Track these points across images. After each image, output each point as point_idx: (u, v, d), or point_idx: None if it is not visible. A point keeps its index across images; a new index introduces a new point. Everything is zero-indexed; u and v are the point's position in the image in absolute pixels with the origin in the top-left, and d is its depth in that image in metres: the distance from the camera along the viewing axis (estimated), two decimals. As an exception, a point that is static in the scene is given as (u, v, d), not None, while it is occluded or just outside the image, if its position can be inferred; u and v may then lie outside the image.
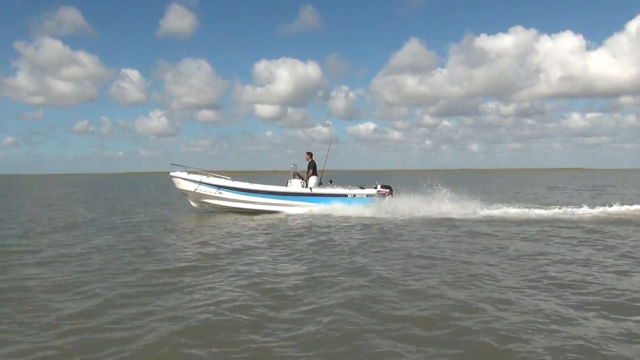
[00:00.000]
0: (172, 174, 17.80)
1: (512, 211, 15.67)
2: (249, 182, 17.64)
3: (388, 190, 17.00)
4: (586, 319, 5.34)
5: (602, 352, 4.47)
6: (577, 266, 7.97)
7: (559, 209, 16.08)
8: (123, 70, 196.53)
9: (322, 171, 17.72)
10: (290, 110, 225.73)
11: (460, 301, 5.95)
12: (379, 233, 12.14)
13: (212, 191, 17.28)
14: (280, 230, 12.75)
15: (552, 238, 10.95)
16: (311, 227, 13.37)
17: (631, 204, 16.32)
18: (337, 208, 16.26)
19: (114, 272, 7.70)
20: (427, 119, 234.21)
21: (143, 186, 51.75)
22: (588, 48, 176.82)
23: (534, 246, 9.91)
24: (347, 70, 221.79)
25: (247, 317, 5.44)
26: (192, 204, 18.10)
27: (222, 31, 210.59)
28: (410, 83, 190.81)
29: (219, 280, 7.22)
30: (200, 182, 17.28)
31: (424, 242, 10.56)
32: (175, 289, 6.67)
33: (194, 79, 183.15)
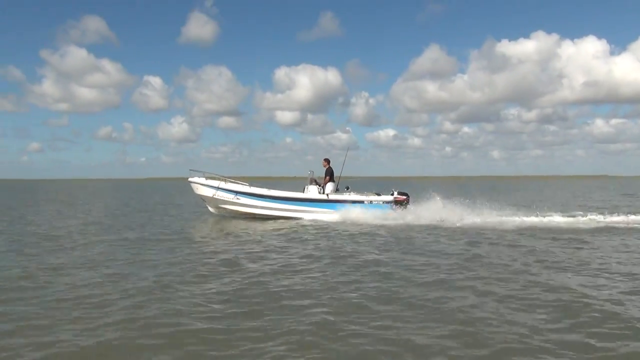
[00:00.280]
0: (190, 179, 18.03)
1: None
2: (266, 188, 17.76)
3: (405, 197, 16.90)
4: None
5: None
6: None
7: None
8: (146, 77, 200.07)
9: (339, 178, 17.73)
10: (310, 116, 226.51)
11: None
12: (394, 241, 12.08)
13: (229, 197, 17.43)
14: (299, 236, 12.80)
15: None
16: (325, 233, 13.38)
17: None
18: (353, 214, 16.22)
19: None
20: (448, 126, 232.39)
21: (170, 192, 52.36)
22: (612, 53, 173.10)
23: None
24: (367, 76, 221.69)
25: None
26: (210, 209, 18.29)
27: (243, 38, 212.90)
28: (431, 89, 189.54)
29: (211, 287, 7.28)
30: (218, 188, 17.45)
31: (437, 251, 10.47)
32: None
33: (215, 85, 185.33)
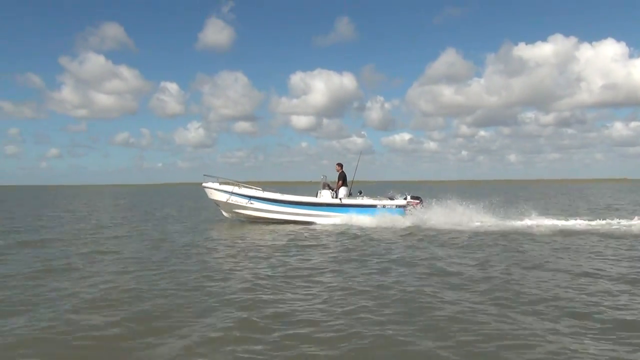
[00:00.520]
0: (204, 184, 18.21)
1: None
2: (279, 192, 17.86)
3: (418, 201, 16.85)
4: None
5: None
6: None
7: None
8: (162, 83, 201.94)
9: (352, 182, 17.75)
10: (325, 121, 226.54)
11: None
12: (402, 245, 12.06)
13: (243, 201, 17.56)
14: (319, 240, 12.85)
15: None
16: (339, 237, 13.40)
17: None
18: (366, 219, 16.23)
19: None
20: (464, 129, 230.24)
21: (189, 198, 52.76)
22: (631, 55, 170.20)
23: None
24: (383, 80, 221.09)
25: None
26: (224, 214, 18.43)
27: (259, 44, 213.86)
28: (447, 93, 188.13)
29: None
30: (232, 193, 17.59)
31: (450, 257, 10.42)
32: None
33: (231, 91, 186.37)
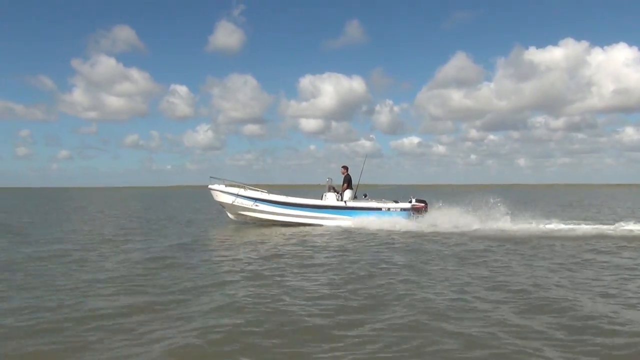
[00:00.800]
0: (210, 186, 18.35)
1: None
2: (284, 195, 17.95)
3: (423, 204, 16.85)
4: None
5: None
6: None
7: None
8: (172, 86, 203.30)
9: (357, 185, 17.81)
10: (334, 124, 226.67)
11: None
12: (403, 249, 12.08)
13: (249, 204, 17.68)
14: (319, 244, 12.91)
15: None
16: (343, 240, 13.45)
17: None
18: (371, 222, 16.27)
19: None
20: (473, 133, 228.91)
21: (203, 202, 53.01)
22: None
23: None
24: (392, 84, 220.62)
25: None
26: (230, 216, 18.55)
27: (269, 47, 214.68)
28: (456, 97, 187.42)
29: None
30: (238, 195, 17.71)
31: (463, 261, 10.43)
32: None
33: (240, 93, 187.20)
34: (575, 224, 15.67)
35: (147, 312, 6.14)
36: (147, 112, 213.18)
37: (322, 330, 5.45)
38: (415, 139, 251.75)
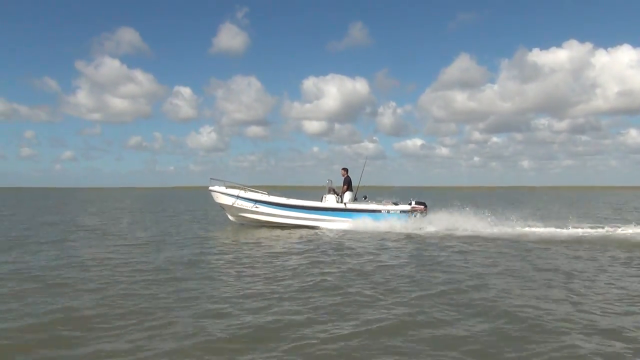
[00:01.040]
0: (211, 188, 18.38)
1: None
2: (284, 197, 17.97)
3: (422, 206, 16.85)
4: None
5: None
6: None
7: None
8: (176, 88, 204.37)
9: (358, 187, 17.81)
10: (337, 126, 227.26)
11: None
12: (406, 252, 12.08)
13: (249, 205, 17.70)
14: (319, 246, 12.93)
15: None
16: (345, 242, 13.47)
17: None
18: (370, 224, 16.27)
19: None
20: (476, 135, 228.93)
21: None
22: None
23: None
24: (395, 86, 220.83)
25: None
26: (230, 217, 18.58)
27: (273, 49, 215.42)
28: (460, 99, 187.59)
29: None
30: (238, 197, 17.73)
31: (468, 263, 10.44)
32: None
33: (244, 95, 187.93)
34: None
35: (137, 316, 6.18)
36: (150, 114, 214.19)
37: (315, 334, 5.49)
38: (418, 141, 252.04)
